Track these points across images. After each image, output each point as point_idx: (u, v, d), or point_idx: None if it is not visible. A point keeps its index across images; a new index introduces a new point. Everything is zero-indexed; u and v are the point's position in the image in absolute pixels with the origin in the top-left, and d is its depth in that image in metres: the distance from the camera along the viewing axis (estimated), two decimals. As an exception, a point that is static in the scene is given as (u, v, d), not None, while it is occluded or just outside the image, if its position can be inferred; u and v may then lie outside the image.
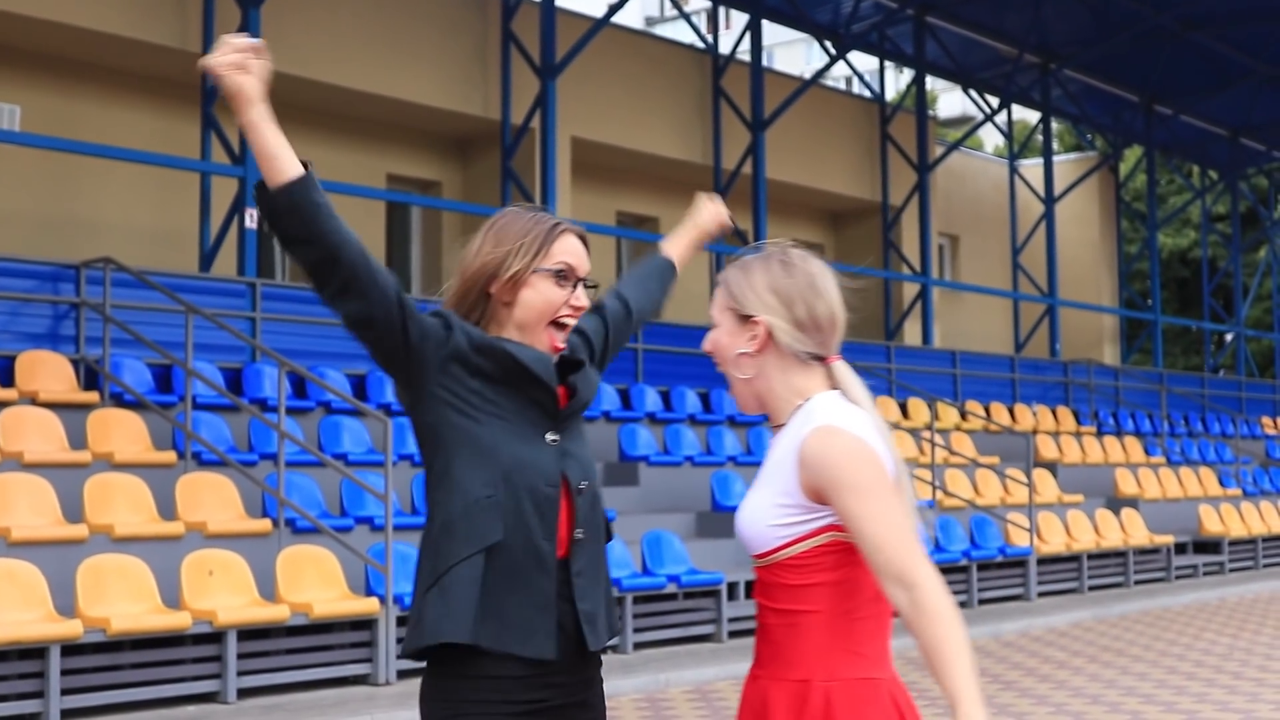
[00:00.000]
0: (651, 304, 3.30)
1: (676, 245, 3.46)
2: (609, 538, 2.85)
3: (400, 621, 9.17)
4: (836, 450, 2.37)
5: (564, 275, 2.76)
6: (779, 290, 2.52)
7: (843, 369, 2.55)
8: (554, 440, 2.72)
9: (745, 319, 2.54)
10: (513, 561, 2.64)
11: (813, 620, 2.40)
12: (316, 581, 9.08)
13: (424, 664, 2.72)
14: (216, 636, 8.37)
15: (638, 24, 56.53)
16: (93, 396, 10.46)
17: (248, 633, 8.52)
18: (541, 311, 2.75)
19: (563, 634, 2.68)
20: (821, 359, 2.54)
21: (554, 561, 2.68)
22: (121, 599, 8.21)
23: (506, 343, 2.72)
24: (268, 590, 8.95)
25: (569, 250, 2.78)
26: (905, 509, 2.38)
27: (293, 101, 15.56)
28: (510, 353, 2.69)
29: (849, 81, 46.84)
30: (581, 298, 2.79)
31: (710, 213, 3.50)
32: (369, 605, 8.96)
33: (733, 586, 11.57)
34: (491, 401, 2.68)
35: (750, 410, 2.59)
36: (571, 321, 2.80)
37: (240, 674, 8.46)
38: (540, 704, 2.65)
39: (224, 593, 8.62)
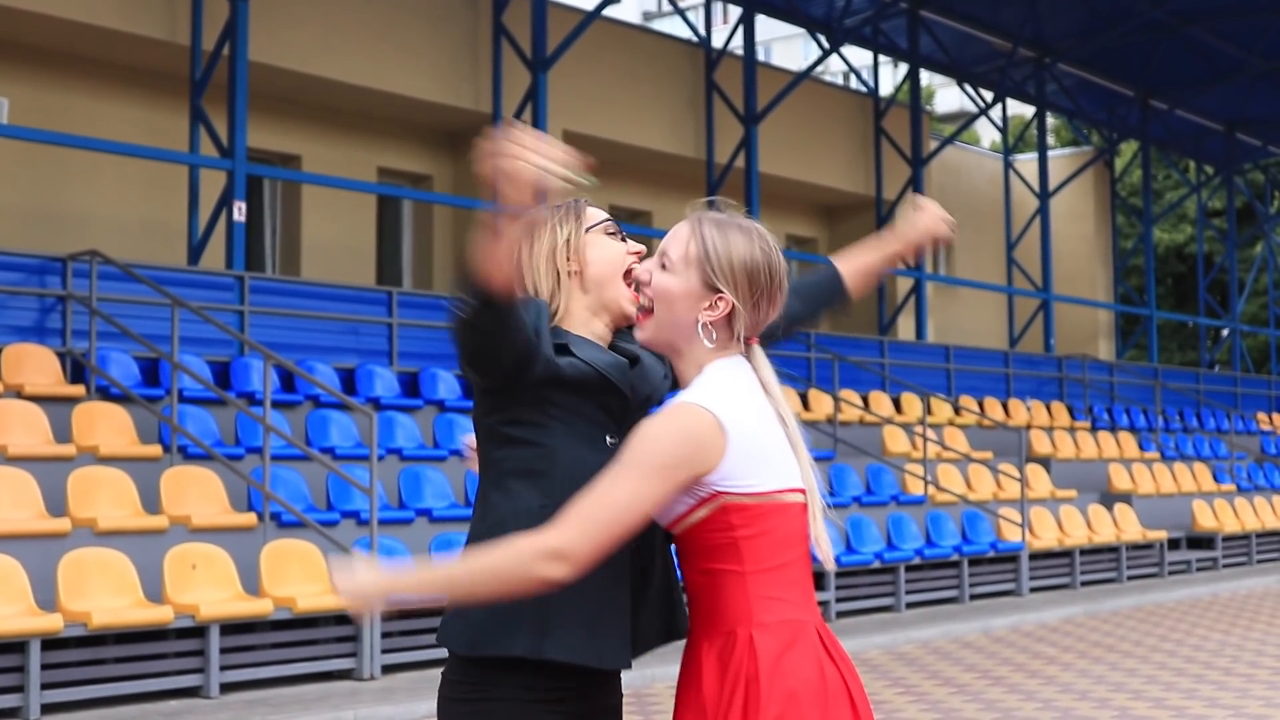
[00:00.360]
0: (787, 318, 2.80)
1: (860, 255, 3.06)
2: (669, 541, 2.74)
3: (385, 617, 9.13)
4: (658, 426, 2.37)
5: (610, 231, 2.79)
6: (755, 279, 2.48)
7: (758, 349, 2.54)
8: (614, 443, 2.66)
9: (712, 288, 2.48)
10: None
11: (732, 576, 2.41)
12: (301, 576, 9.03)
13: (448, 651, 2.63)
14: (199, 631, 8.32)
15: (635, 19, 56.48)
16: (78, 390, 10.40)
17: (231, 627, 8.48)
18: (611, 262, 2.74)
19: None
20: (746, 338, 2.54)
21: (625, 568, 2.58)
22: (103, 593, 8.16)
23: (583, 346, 2.65)
24: (251, 585, 8.90)
25: (597, 214, 2.81)
26: (651, 501, 2.35)
27: (283, 95, 15.51)
28: (589, 360, 2.63)
29: (845, 76, 46.77)
30: (634, 244, 2.80)
31: (923, 220, 3.01)
32: (354, 600, 8.89)
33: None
34: (560, 406, 2.61)
35: (655, 348, 2.57)
36: (638, 267, 2.75)
37: (223, 668, 8.41)
38: (572, 714, 2.58)
39: (207, 587, 8.57)
